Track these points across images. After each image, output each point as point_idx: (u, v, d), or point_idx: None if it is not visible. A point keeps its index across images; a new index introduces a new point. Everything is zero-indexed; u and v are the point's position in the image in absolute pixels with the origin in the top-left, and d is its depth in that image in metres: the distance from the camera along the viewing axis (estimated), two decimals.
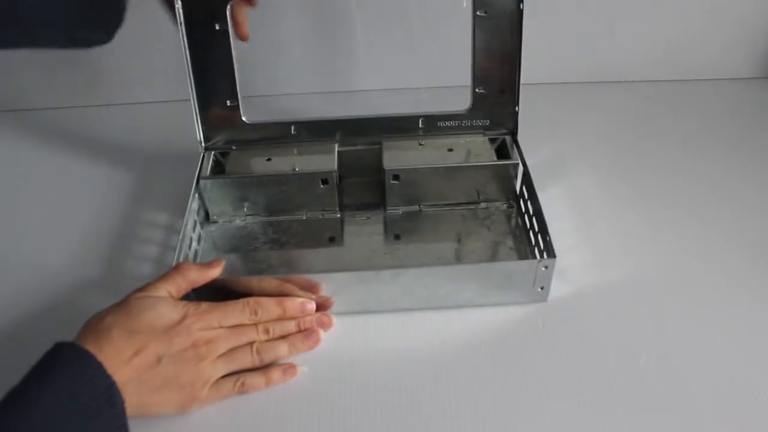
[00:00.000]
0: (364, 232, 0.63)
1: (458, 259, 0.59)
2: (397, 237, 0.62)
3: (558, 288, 0.55)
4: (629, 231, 0.61)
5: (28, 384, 0.40)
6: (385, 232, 0.63)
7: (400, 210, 0.64)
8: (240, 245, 0.61)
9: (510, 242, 0.60)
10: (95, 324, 0.44)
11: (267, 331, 0.50)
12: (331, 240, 0.62)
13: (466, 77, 0.62)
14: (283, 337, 0.51)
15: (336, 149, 0.63)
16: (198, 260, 0.59)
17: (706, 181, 0.65)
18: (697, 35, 0.72)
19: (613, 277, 0.56)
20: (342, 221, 0.64)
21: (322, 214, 0.64)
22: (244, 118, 0.62)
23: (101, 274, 0.59)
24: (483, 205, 0.64)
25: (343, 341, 0.52)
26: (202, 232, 0.62)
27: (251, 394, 0.48)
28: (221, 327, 0.48)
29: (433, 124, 0.64)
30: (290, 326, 0.51)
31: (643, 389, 0.47)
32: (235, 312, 0.49)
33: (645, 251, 0.59)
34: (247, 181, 0.61)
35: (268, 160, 0.63)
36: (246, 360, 0.48)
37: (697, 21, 0.71)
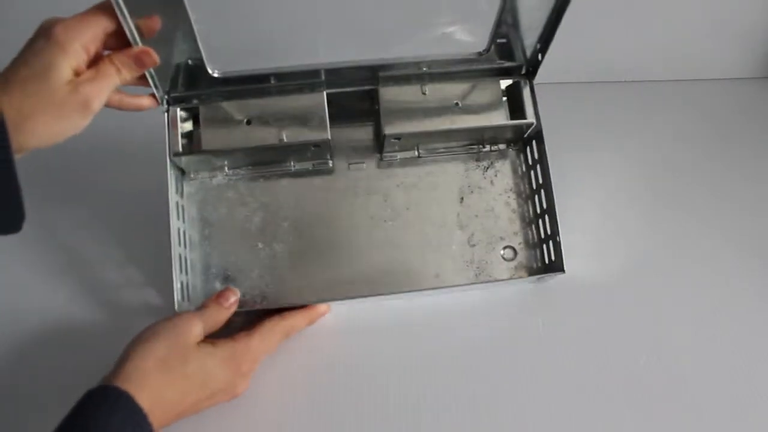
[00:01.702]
0: (360, 183, 0.58)
1: (460, 227, 0.57)
2: (392, 203, 0.58)
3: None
4: (627, 227, 0.60)
5: None
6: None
7: (398, 156, 0.59)
8: (228, 204, 0.57)
9: (514, 203, 0.58)
10: (149, 368, 0.42)
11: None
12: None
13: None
14: None
15: (326, 106, 0.54)
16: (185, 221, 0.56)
17: (706, 180, 0.63)
18: (697, 35, 0.67)
19: (610, 266, 0.58)
20: (334, 169, 0.58)
21: (312, 165, 0.58)
22: (211, 72, 0.50)
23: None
24: (486, 147, 0.59)
25: (345, 324, 0.54)
26: (184, 203, 0.56)
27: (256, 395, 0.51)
28: None
29: (439, 68, 0.54)
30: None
31: (641, 376, 0.53)
32: (274, 340, 0.49)
33: (642, 245, 0.59)
34: (228, 152, 0.53)
35: (248, 123, 0.53)
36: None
37: (697, 21, 0.66)
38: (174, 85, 0.51)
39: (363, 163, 0.59)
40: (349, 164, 0.59)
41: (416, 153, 0.59)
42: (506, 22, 0.49)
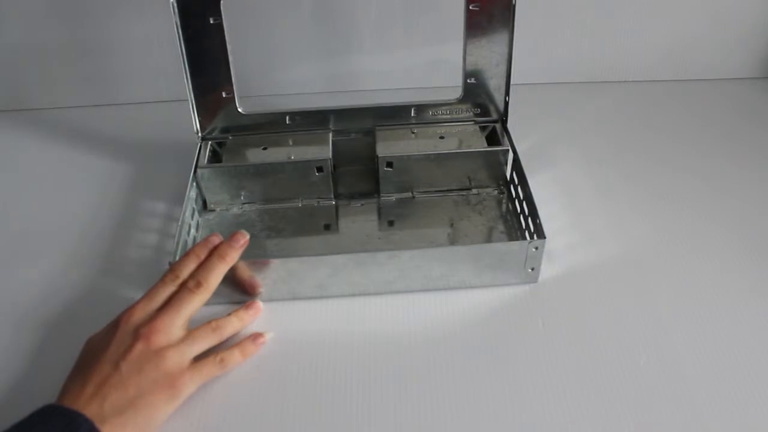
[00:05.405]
0: (358, 219, 0.64)
1: (451, 243, 0.60)
2: (391, 223, 0.64)
3: (548, 269, 0.57)
4: (627, 227, 0.61)
5: None
6: (380, 218, 0.64)
7: (394, 197, 0.66)
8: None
9: (501, 227, 0.62)
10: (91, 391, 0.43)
11: (199, 283, 0.49)
12: (327, 227, 0.63)
13: (458, 70, 0.63)
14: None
15: (330, 138, 0.65)
16: None
17: (706, 181, 0.65)
18: (697, 35, 0.72)
19: (602, 259, 0.58)
20: (337, 208, 0.65)
21: (318, 202, 0.65)
22: (239, 109, 0.64)
23: (104, 262, 0.60)
24: (474, 191, 0.66)
25: (338, 323, 0.54)
26: (200, 220, 0.63)
27: (245, 381, 0.49)
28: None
29: (425, 113, 0.66)
30: (216, 264, 0.51)
31: (637, 369, 0.49)
32: (160, 289, 0.49)
33: (642, 245, 0.60)
34: (244, 169, 0.63)
35: (264, 149, 0.64)
36: (207, 339, 0.49)
37: (697, 21, 0.71)
38: (210, 120, 0.64)
39: (362, 203, 0.65)
40: (350, 203, 0.65)
41: (411, 194, 0.66)
42: (470, 75, 0.63)
